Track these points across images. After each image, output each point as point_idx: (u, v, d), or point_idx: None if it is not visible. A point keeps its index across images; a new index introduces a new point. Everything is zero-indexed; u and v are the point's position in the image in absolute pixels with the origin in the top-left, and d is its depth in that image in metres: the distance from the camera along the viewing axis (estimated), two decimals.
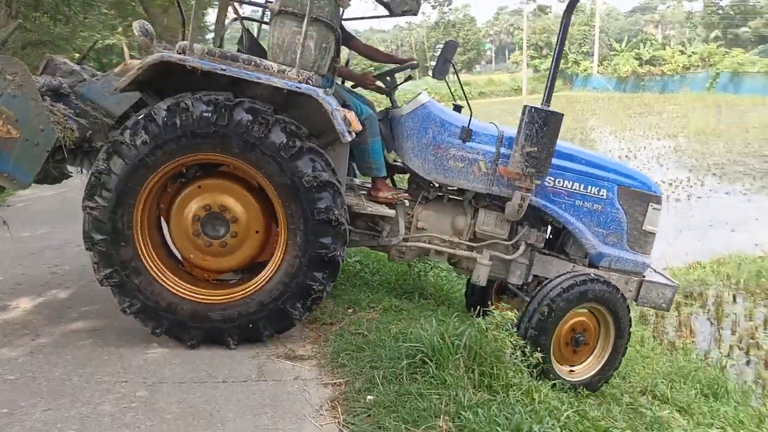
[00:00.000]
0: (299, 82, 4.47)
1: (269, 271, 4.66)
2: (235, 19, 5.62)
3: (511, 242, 5.31)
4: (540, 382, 4.39)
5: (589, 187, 5.26)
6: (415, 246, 5.32)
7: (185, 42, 4.50)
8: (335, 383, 4.29)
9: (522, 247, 5.29)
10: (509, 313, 4.45)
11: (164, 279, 4.69)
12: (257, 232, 4.75)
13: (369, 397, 4.01)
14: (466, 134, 5.11)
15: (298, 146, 4.38)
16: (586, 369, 5.15)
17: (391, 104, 5.57)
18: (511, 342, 4.27)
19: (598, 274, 5.09)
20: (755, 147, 26.00)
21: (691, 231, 14.97)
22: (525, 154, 4.85)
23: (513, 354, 4.39)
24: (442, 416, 3.73)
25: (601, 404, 4.81)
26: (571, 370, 5.11)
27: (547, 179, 5.13)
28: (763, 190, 19.39)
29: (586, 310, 5.00)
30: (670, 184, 19.91)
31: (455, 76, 5.13)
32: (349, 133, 4.50)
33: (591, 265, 5.41)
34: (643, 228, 5.39)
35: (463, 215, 5.35)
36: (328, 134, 4.62)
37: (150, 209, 4.75)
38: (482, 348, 4.22)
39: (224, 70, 4.33)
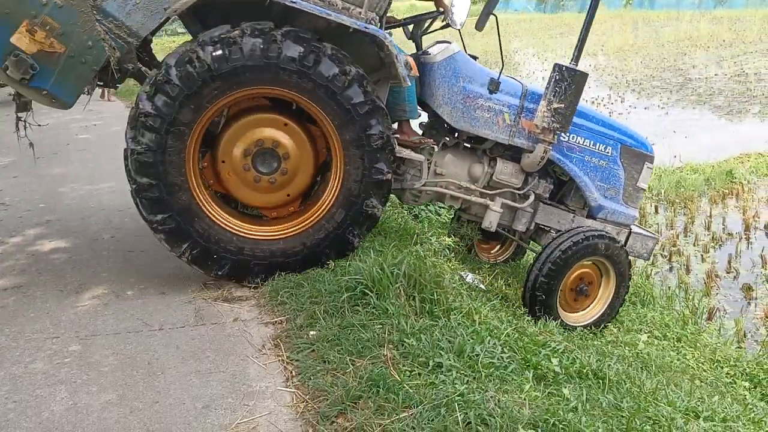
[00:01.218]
0: (365, 22, 4.45)
1: (327, 202, 4.71)
2: None
3: (522, 192, 5.50)
4: (479, 303, 4.46)
5: (598, 144, 5.54)
6: (432, 190, 5.40)
7: None
8: (276, 321, 4.23)
9: (531, 197, 5.50)
10: (447, 239, 4.45)
11: (221, 220, 4.60)
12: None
13: (311, 332, 3.98)
14: (494, 86, 5.21)
15: (352, 74, 4.40)
16: (587, 315, 5.55)
17: (416, 49, 5.53)
18: (449, 267, 4.29)
19: (605, 231, 5.40)
20: (671, 61, 26.79)
21: None
22: (552, 110, 5.04)
23: (452, 278, 4.42)
24: (385, 345, 3.74)
25: (538, 320, 4.95)
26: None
27: (563, 134, 5.33)
28: (679, 103, 20.10)
29: (590, 263, 5.36)
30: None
31: (497, 29, 5.21)
32: (409, 77, 4.60)
33: (589, 216, 5.70)
34: (637, 184, 5.73)
35: (480, 163, 5.48)
36: (376, 74, 4.68)
37: (199, 150, 4.57)
38: (422, 275, 4.23)
39: (294, 2, 4.21)
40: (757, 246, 9.44)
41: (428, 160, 5.31)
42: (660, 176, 12.10)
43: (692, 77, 22.97)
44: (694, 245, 9.24)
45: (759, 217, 10.57)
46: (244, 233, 4.67)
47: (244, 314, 4.40)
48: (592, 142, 5.53)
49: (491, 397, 3.30)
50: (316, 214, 4.72)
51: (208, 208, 4.57)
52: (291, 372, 3.65)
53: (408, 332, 3.86)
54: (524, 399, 3.36)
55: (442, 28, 5.63)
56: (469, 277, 5.20)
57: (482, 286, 5.37)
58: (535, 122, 5.19)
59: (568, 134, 5.40)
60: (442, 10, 5.41)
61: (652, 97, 20.66)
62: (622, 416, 3.55)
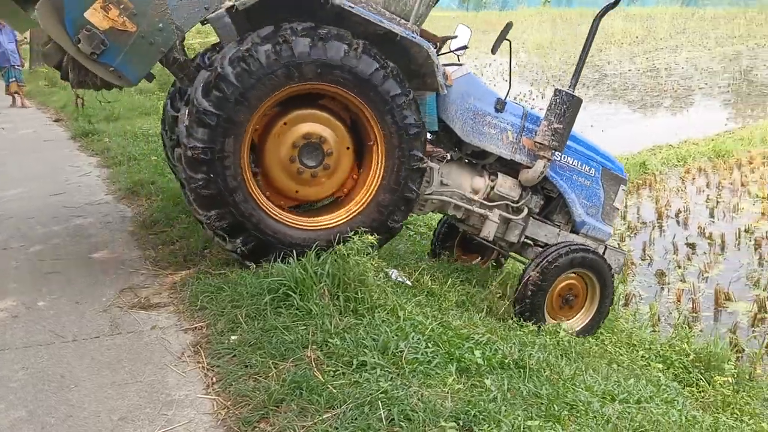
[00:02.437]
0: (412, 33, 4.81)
1: (370, 190, 4.92)
2: None
3: (517, 205, 5.80)
4: (404, 299, 4.48)
5: (584, 166, 5.98)
6: (437, 199, 5.61)
7: None
8: (196, 327, 4.13)
9: (525, 211, 5.80)
10: (370, 237, 4.46)
11: (273, 212, 4.71)
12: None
13: (233, 337, 3.90)
14: (501, 106, 5.61)
15: (389, 68, 4.68)
16: (575, 324, 5.82)
17: None
18: (372, 265, 4.29)
19: (587, 245, 5.84)
20: (587, 58, 27.71)
21: None
22: (552, 129, 5.44)
23: (376, 276, 4.43)
24: (309, 346, 3.71)
25: (463, 314, 5.01)
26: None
27: (556, 154, 5.73)
28: (596, 98, 20.87)
29: (575, 275, 5.69)
30: (515, 98, 20.84)
31: (509, 54, 5.83)
32: (446, 86, 4.96)
33: (573, 231, 6.06)
34: (614, 204, 6.23)
35: (481, 177, 5.77)
36: (412, 83, 4.94)
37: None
38: (345, 274, 4.21)
39: (352, 8, 4.46)
40: (669, 233, 9.92)
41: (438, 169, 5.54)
42: None
43: (608, 73, 23.89)
44: None
45: (670, 206, 11.10)
46: (297, 224, 4.78)
47: (163, 321, 4.27)
48: (579, 163, 5.96)
49: (415, 392, 3.32)
50: (362, 202, 4.93)
51: (262, 202, 4.68)
52: (212, 378, 3.57)
53: (332, 332, 3.84)
54: (447, 392, 3.40)
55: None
56: (394, 274, 5.22)
57: (408, 282, 5.41)
58: (536, 139, 5.58)
59: (560, 154, 5.78)
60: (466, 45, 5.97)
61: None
62: (542, 403, 3.64)
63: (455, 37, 5.86)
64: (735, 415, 5.28)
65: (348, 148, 4.96)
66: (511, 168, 5.79)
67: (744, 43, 27.81)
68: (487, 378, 3.76)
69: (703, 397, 5.44)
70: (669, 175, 13.26)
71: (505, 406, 3.34)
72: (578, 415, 3.71)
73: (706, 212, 11.07)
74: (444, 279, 6.15)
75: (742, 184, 12.29)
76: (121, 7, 4.14)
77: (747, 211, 10.99)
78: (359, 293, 4.16)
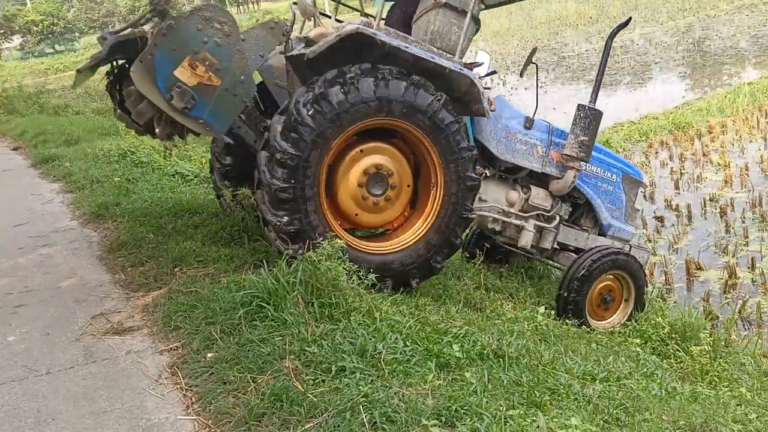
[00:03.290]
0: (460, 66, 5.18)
1: (432, 211, 5.26)
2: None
3: (549, 214, 6.20)
4: (380, 300, 4.48)
5: (607, 172, 6.43)
6: (477, 215, 5.91)
7: (366, 19, 5.08)
8: (171, 348, 4.08)
9: (557, 219, 6.22)
10: (339, 241, 4.44)
11: (338, 233, 4.94)
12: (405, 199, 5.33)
13: (209, 354, 3.86)
14: (529, 123, 6.01)
15: (442, 100, 5.02)
16: (613, 322, 6.14)
17: None
18: (344, 269, 4.28)
19: (621, 249, 6.25)
20: (545, 41, 28.00)
21: None
22: (579, 142, 5.88)
23: (350, 279, 4.41)
24: (287, 357, 3.69)
25: (440, 308, 5.03)
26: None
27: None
28: (556, 80, 21.06)
29: (612, 276, 6.03)
30: None
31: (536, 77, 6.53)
32: (490, 111, 5.33)
33: (600, 234, 6.47)
34: (634, 206, 6.73)
35: (515, 190, 6.14)
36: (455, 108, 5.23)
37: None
38: (318, 280, 4.19)
39: (407, 47, 4.84)
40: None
41: None
42: None
43: (565, 55, 24.14)
44: None
45: None
46: (353, 244, 5.04)
47: (137, 345, 4.21)
48: (602, 170, 6.41)
49: (395, 393, 3.33)
50: (424, 225, 5.26)
51: (337, 228, 5.02)
52: (191, 399, 3.53)
53: (309, 340, 3.82)
54: (428, 389, 3.41)
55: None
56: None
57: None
58: (564, 152, 5.99)
59: (585, 164, 6.20)
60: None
61: (532, 77, 21.51)
62: (523, 390, 3.67)
63: (480, 64, 6.16)
64: (713, 383, 5.38)
65: (408, 185, 5.30)
66: (541, 180, 6.18)
67: (695, 15, 28.29)
68: (467, 371, 3.78)
69: (681, 368, 5.52)
70: (632, 150, 13.45)
71: (486, 398, 3.36)
72: (560, 398, 3.75)
73: (671, 184, 11.26)
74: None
75: (704, 154, 12.51)
76: (207, 63, 4.43)
77: (710, 180, 11.20)
78: (333, 298, 4.14)
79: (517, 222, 6.07)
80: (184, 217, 6.59)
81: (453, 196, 5.21)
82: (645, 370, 5.12)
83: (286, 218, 4.69)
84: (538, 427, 3.08)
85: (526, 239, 6.09)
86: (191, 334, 4.12)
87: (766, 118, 13.28)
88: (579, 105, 6.00)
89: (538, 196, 6.13)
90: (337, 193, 5.06)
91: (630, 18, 6.72)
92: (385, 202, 5.19)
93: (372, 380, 3.46)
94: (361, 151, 5.06)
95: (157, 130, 4.97)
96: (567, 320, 5.69)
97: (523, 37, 30.10)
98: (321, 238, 4.62)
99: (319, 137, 4.67)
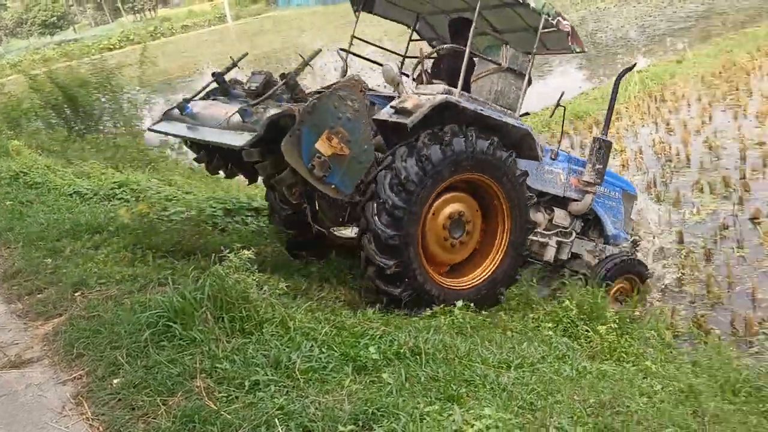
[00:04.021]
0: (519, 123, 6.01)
1: (499, 250, 6.01)
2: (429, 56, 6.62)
3: (567, 230, 6.99)
4: (293, 309, 4.41)
5: (612, 192, 7.32)
6: None
7: (444, 86, 5.71)
8: (75, 377, 3.87)
9: (573, 234, 7.04)
10: (246, 252, 4.35)
11: (430, 273, 5.62)
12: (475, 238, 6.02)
13: (115, 380, 3.69)
14: (554, 155, 6.71)
15: (513, 156, 5.83)
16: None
17: None
18: (253, 279, 4.19)
19: (632, 255, 7.25)
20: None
21: None
22: (596, 170, 6.76)
23: (260, 290, 4.33)
24: (198, 375, 3.58)
25: (356, 312, 5.01)
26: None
27: None
28: None
29: (625, 279, 6.94)
30: (386, 86, 21.04)
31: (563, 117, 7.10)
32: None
33: (605, 243, 7.26)
34: (631, 217, 7.67)
35: (540, 212, 6.80)
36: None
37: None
38: (227, 294, 4.08)
39: (482, 110, 5.63)
40: None
41: None
42: None
43: None
44: None
45: None
46: (445, 284, 5.76)
47: (38, 377, 3.97)
48: (609, 190, 7.27)
49: (312, 401, 3.29)
50: (492, 264, 6.02)
51: (428, 269, 5.62)
52: (98, 428, 3.36)
53: (220, 356, 3.72)
54: (345, 395, 3.39)
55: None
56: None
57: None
58: (584, 179, 6.85)
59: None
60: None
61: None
62: (440, 385, 3.71)
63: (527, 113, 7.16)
64: (621, 359, 5.62)
65: (478, 229, 6.01)
66: (561, 202, 6.96)
67: (587, 8, 29.59)
68: (385, 372, 3.78)
69: (591, 347, 5.74)
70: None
71: (403, 397, 3.37)
72: (476, 389, 3.81)
73: None
74: (338, 283, 6.15)
75: None
76: (340, 136, 4.95)
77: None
78: (244, 311, 4.05)
79: (542, 240, 6.84)
80: (84, 237, 6.28)
81: (516, 238, 6.00)
82: (557, 353, 5.28)
83: (390, 261, 5.27)
84: (453, 421, 3.11)
85: (549, 254, 6.90)
86: (95, 360, 3.93)
87: (656, 103, 14.02)
88: (594, 138, 6.94)
89: (560, 216, 6.94)
90: (426, 237, 5.64)
91: (635, 63, 8.03)
92: (460, 244, 5.87)
93: (287, 391, 3.41)
94: (446, 200, 5.71)
95: (288, 193, 5.45)
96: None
97: None
98: (419, 279, 5.42)
99: (422, 190, 5.32)
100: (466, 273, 6.02)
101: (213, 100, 5.82)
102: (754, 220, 8.31)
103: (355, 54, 6.98)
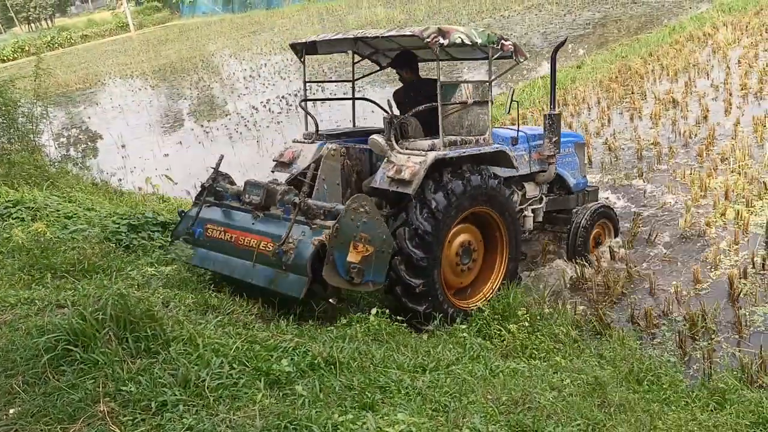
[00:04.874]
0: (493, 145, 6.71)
1: (500, 269, 6.90)
2: None
3: (537, 197, 7.85)
4: (202, 325, 4.29)
5: (565, 149, 8.03)
6: None
7: (425, 142, 6.32)
8: None
9: (544, 199, 7.94)
10: (149, 269, 4.19)
11: (446, 293, 6.39)
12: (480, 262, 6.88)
13: (11, 410, 3.45)
14: (514, 141, 7.36)
15: (511, 188, 7.22)
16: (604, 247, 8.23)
17: None
18: (158, 296, 4.04)
19: (605, 203, 8.52)
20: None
21: None
22: (553, 142, 7.52)
23: (166, 307, 4.19)
24: (101, 400, 3.41)
25: (269, 324, 4.93)
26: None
27: None
28: (389, 83, 21.55)
29: (599, 225, 8.15)
30: (296, 95, 20.94)
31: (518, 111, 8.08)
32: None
33: (568, 193, 8.24)
34: (584, 162, 8.66)
35: (515, 193, 7.45)
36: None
37: None
38: (130, 313, 3.92)
39: (465, 152, 6.31)
40: None
41: None
42: None
43: None
44: None
45: None
46: (455, 304, 6.49)
47: None
48: (563, 150, 7.89)
49: (222, 420, 3.20)
50: (497, 278, 6.86)
51: (445, 289, 6.38)
52: None
53: (125, 378, 3.56)
54: (257, 410, 3.31)
55: None
56: None
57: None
58: (544, 153, 7.60)
59: None
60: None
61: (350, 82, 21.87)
62: (355, 394, 3.69)
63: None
64: (533, 355, 5.79)
65: (481, 253, 6.83)
66: (526, 176, 7.68)
67: (491, 16, 30.43)
68: (298, 384, 3.74)
69: (504, 346, 5.88)
70: None
71: (317, 409, 3.34)
72: (391, 396, 3.83)
73: None
74: (248, 294, 6.02)
75: None
76: (363, 239, 5.46)
77: None
78: (149, 330, 3.90)
79: (522, 214, 7.58)
80: None
81: (513, 250, 6.87)
82: (472, 353, 5.39)
83: (419, 281, 5.93)
84: (367, 429, 3.10)
85: (529, 223, 7.68)
86: None
87: (559, 107, 14.61)
88: (545, 114, 7.57)
89: (530, 189, 7.74)
90: (443, 262, 6.29)
91: (566, 38, 8.81)
92: (467, 270, 6.66)
93: (197, 410, 3.30)
94: (459, 230, 6.46)
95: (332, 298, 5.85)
96: (576, 255, 7.76)
97: None
98: (439, 298, 6.12)
99: (447, 219, 6.07)
100: (470, 295, 6.79)
101: (209, 207, 6.42)
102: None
103: (316, 100, 8.06)
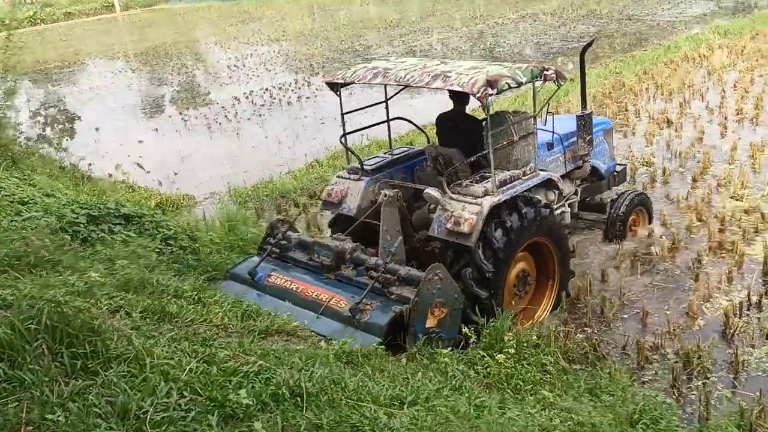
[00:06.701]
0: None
1: (548, 305, 7.04)
2: None
3: (572, 191, 8.02)
4: (152, 341, 3.75)
5: (596, 138, 8.07)
6: None
7: (479, 188, 6.39)
8: None
9: (578, 192, 8.12)
10: (94, 274, 3.65)
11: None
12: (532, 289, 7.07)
13: None
14: (549, 146, 7.68)
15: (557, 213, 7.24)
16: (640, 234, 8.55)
17: None
18: (101, 308, 3.50)
19: (642, 191, 9.02)
20: (348, 43, 28.12)
21: (305, 131, 15.52)
22: (586, 141, 7.73)
23: (112, 317, 3.65)
24: (22, 428, 2.87)
25: (230, 342, 4.40)
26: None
27: None
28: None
29: (636, 212, 8.51)
30: (281, 88, 20.36)
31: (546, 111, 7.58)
32: None
33: (600, 178, 8.47)
34: (613, 146, 8.92)
35: (551, 191, 7.32)
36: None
37: None
38: (68, 324, 3.38)
39: (516, 191, 6.48)
40: None
41: None
42: None
43: (369, 57, 24.34)
44: None
45: None
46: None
47: None
48: (594, 140, 7.97)
49: None
50: (550, 302, 7.04)
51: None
52: None
53: (53, 403, 3.03)
54: None
55: None
56: None
57: None
58: (580, 153, 7.85)
59: None
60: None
61: None
62: None
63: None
64: (518, 386, 5.34)
65: (535, 280, 7.02)
66: (565, 175, 7.87)
67: (485, 23, 30.06)
68: (257, 420, 3.23)
69: (488, 374, 5.43)
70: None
71: None
72: None
73: None
74: (212, 299, 5.51)
75: None
76: (438, 305, 5.72)
77: None
78: (89, 345, 3.36)
79: (560, 212, 7.56)
80: None
81: (562, 278, 7.02)
82: (453, 382, 4.93)
83: (483, 319, 6.00)
84: None
85: (567, 218, 7.74)
86: None
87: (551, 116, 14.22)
88: (577, 115, 7.78)
89: (566, 187, 7.81)
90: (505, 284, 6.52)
91: (594, 39, 9.27)
92: (523, 294, 6.85)
93: None
94: (518, 258, 6.63)
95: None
96: (615, 236, 8.25)
97: (327, 38, 29.95)
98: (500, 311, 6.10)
99: (506, 256, 6.27)
100: (521, 321, 6.75)
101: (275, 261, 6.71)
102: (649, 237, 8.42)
103: (355, 132, 7.50)
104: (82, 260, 5.55)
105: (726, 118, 12.53)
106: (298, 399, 3.54)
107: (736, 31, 20.17)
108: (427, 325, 5.67)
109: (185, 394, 3.27)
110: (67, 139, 17.66)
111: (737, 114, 12.83)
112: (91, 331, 3.42)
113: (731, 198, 9.23)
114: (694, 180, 10.00)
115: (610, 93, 15.13)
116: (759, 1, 27.49)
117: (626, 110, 13.81)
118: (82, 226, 6.45)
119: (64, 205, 7.03)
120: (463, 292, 6.01)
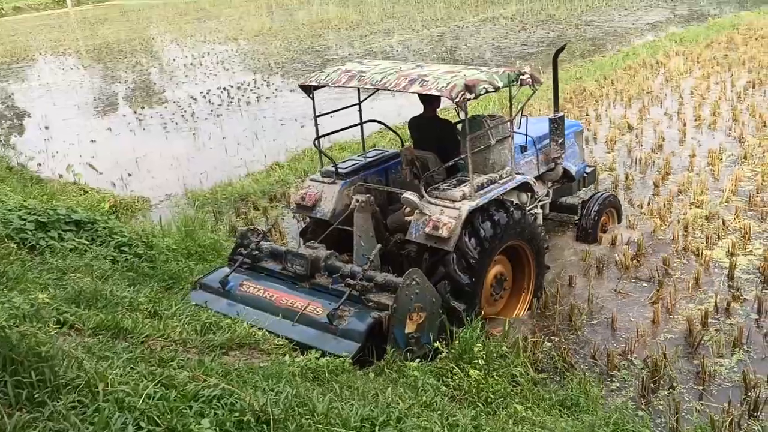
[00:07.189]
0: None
1: (524, 305, 7.11)
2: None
3: (545, 192, 8.09)
4: (105, 365, 3.47)
5: (567, 141, 8.24)
6: None
7: (457, 191, 6.36)
8: None
9: (550, 193, 8.22)
10: (41, 295, 3.35)
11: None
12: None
13: None
14: (523, 148, 7.79)
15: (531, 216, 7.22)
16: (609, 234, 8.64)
17: None
18: (48, 332, 3.21)
19: (612, 193, 9.35)
20: (308, 43, 27.80)
21: (265, 132, 15.21)
22: (558, 144, 7.94)
23: (63, 338, 3.36)
24: None
25: (189, 360, 4.14)
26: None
27: None
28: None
29: (607, 213, 8.73)
30: (239, 87, 19.96)
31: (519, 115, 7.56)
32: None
33: (571, 180, 8.56)
34: (583, 147, 9.15)
35: (524, 193, 7.40)
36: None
37: None
38: (12, 350, 3.08)
39: (494, 195, 6.48)
40: None
41: None
42: (312, 158, 12.14)
43: (329, 57, 24.09)
44: None
45: None
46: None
47: None
48: (567, 142, 8.19)
49: None
50: (526, 302, 7.12)
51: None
52: None
53: None
54: None
55: None
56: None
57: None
58: (552, 155, 8.00)
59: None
60: None
61: (298, 78, 21.07)
62: None
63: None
64: (489, 399, 5.21)
65: (511, 283, 7.04)
66: (538, 177, 7.94)
67: (446, 25, 30.09)
68: None
69: (458, 387, 5.29)
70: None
71: None
72: None
73: None
74: (168, 311, 5.22)
75: None
76: (417, 309, 5.63)
77: None
78: (35, 373, 3.07)
79: (531, 213, 7.49)
80: None
81: (539, 276, 7.10)
82: (425, 397, 4.76)
83: (463, 305, 6.12)
84: None
85: (540, 219, 7.76)
86: None
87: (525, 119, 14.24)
88: (550, 118, 7.92)
89: (539, 189, 7.82)
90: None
91: (566, 43, 9.37)
92: (499, 299, 6.87)
93: None
94: (495, 261, 6.61)
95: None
96: (587, 237, 8.40)
97: (286, 37, 29.55)
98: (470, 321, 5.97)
99: (482, 264, 6.27)
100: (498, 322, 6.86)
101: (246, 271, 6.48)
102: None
103: (329, 134, 7.38)
104: (29, 271, 5.20)
105: (685, 124, 12.71)
106: (264, 426, 3.31)
107: (692, 39, 20.59)
108: (407, 331, 5.61)
109: (142, 425, 3.01)
110: (15, 136, 16.97)
111: (695, 120, 13.03)
112: (37, 357, 3.13)
113: (691, 205, 9.30)
114: (656, 185, 10.07)
115: (571, 98, 15.22)
116: (712, 9, 28.21)
117: (587, 115, 13.90)
118: (30, 233, 6.09)
119: (10, 210, 6.62)
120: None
